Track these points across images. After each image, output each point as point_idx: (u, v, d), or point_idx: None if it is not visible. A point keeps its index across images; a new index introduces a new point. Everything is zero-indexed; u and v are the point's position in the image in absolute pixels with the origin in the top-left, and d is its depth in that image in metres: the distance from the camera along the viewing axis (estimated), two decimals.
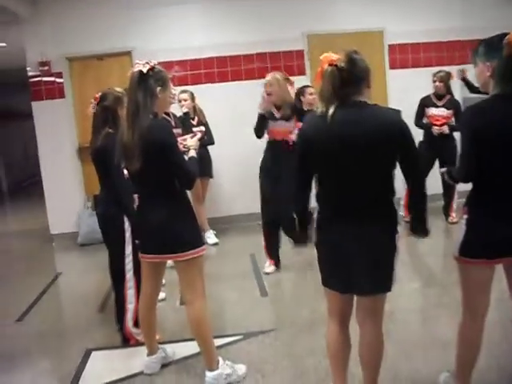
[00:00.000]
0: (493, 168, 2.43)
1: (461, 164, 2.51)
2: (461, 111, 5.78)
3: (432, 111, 6.20)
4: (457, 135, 5.73)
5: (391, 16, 7.12)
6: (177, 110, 5.67)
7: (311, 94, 6.00)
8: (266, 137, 4.95)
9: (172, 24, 6.94)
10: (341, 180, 2.42)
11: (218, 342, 3.35)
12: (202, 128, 5.41)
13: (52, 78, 6.97)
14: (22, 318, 4.59)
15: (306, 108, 6.07)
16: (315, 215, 2.58)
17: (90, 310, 4.59)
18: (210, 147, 6.21)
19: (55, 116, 6.95)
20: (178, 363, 3.49)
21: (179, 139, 3.14)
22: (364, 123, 2.34)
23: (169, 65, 6.49)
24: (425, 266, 5.31)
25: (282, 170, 4.68)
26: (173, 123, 5.02)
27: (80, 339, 4.00)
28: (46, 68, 6.92)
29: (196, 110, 6.15)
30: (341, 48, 2.40)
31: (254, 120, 4.83)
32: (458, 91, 6.58)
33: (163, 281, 3.63)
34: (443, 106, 6.15)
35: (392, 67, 7.31)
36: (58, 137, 6.98)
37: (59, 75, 6.99)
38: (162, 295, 4.19)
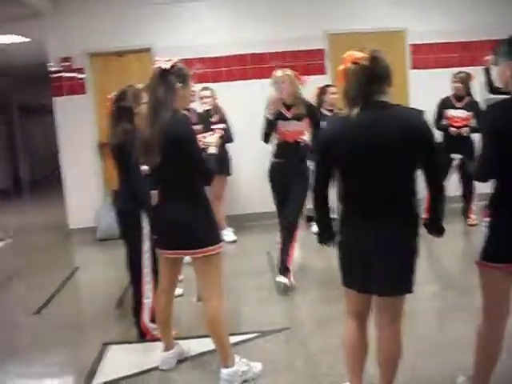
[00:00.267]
0: None
1: (481, 162, 2.44)
2: (481, 112, 5.71)
3: (451, 113, 6.14)
4: (474, 136, 5.70)
5: (413, 16, 7.08)
6: (198, 107, 5.68)
7: (333, 93, 5.95)
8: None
9: (192, 21, 6.97)
10: (364, 181, 2.41)
11: (233, 339, 3.36)
12: (223, 126, 5.40)
13: (73, 74, 7.05)
14: (39, 310, 4.65)
15: (327, 108, 6.00)
16: (336, 215, 2.57)
17: (108, 305, 4.62)
18: (228, 145, 6.20)
19: (76, 111, 7.03)
20: (194, 359, 3.50)
21: (199, 136, 3.15)
22: (388, 124, 2.33)
23: (189, 62, 6.50)
24: (443, 269, 5.26)
25: (293, 176, 4.54)
26: (193, 119, 5.02)
27: (97, 333, 4.04)
28: (68, 64, 7.00)
29: (217, 107, 6.16)
30: (362, 47, 2.39)
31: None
32: (478, 93, 6.51)
33: (180, 277, 3.64)
34: (462, 108, 6.09)
35: (413, 67, 7.27)
36: (79, 132, 7.06)
37: (81, 71, 7.07)
38: (179, 291, 4.21)
